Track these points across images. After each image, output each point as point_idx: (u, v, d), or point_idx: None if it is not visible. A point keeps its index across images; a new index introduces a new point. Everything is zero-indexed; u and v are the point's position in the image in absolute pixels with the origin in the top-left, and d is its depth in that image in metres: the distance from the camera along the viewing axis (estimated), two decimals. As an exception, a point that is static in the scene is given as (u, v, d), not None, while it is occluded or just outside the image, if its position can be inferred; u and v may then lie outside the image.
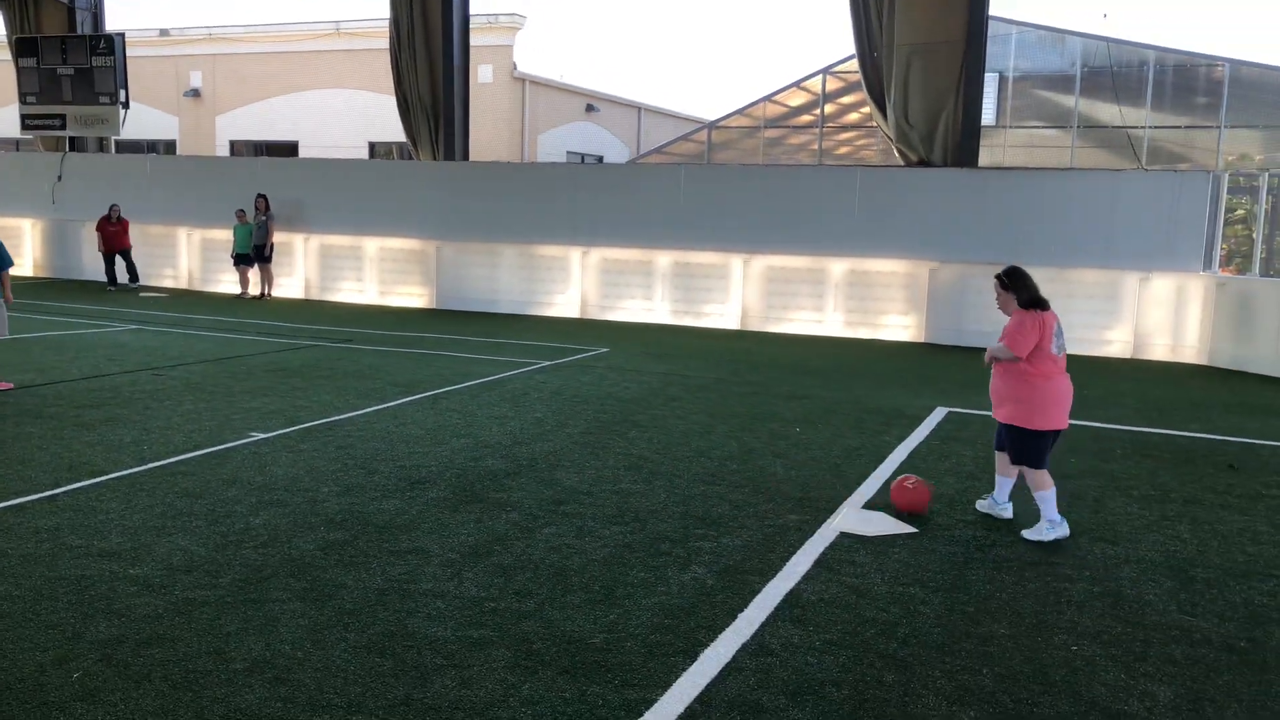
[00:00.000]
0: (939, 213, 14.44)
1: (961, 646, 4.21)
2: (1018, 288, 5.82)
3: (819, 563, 5.14)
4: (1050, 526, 5.69)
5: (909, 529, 5.71)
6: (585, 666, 3.91)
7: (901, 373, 11.62)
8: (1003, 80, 23.85)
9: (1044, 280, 13.72)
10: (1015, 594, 4.81)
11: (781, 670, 3.93)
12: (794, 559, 5.18)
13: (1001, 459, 6.04)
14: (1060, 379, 5.77)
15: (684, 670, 3.91)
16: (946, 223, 14.39)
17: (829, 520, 5.84)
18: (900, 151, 15.29)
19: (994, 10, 15.15)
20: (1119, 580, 5.03)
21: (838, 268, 14.94)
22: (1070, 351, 13.38)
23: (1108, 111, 23.26)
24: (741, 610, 4.49)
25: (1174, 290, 13.43)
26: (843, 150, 28.76)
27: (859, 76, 16.29)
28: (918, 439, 8.05)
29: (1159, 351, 13.53)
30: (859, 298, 14.88)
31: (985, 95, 16.08)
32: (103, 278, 18.88)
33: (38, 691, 3.58)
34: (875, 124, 19.28)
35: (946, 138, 14.76)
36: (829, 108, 26.21)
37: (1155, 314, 13.54)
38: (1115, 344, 13.69)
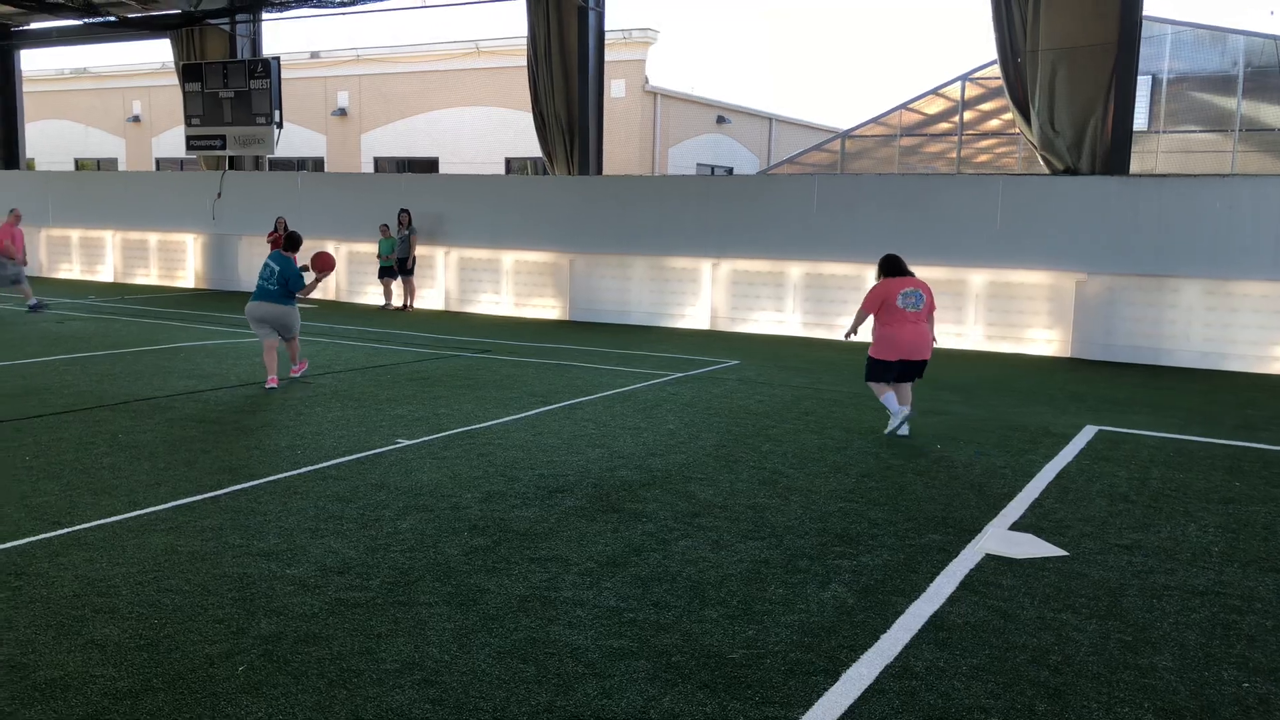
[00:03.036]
0: (1087, 222, 13.85)
1: (1120, 678, 4.01)
2: (879, 268, 8.31)
3: (964, 584, 4.98)
4: (894, 416, 8.18)
5: (1059, 552, 5.48)
6: (725, 682, 3.89)
7: (1046, 389, 11.18)
8: (1156, 82, 22.74)
9: (1202, 293, 13.11)
10: (1178, 624, 4.55)
11: (927, 694, 3.83)
12: (937, 580, 5.04)
13: (900, 389, 8.31)
14: (898, 326, 8.03)
15: (825, 690, 3.85)
16: (1095, 233, 13.79)
17: (973, 541, 5.66)
18: (1045, 159, 14.75)
19: (1148, 10, 14.47)
20: (1294, 614, 4.70)
21: (977, 279, 14.50)
22: (1233, 369, 12.74)
23: (1273, 113, 21.90)
24: (884, 631, 4.40)
25: (1350, 303, 12.52)
26: (982, 158, 27.98)
27: (1000, 82, 15.79)
28: (1066, 458, 7.73)
29: (1333, 369, 12.62)
30: (1000, 310, 14.41)
31: (1137, 99, 15.35)
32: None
33: (207, 683, 3.79)
34: (1018, 131, 18.67)
35: (1095, 144, 14.16)
36: (968, 115, 25.53)
37: (1328, 329, 12.64)
38: (1283, 360, 12.85)
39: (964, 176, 19.07)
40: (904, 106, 26.24)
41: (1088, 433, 8.68)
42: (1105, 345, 13.66)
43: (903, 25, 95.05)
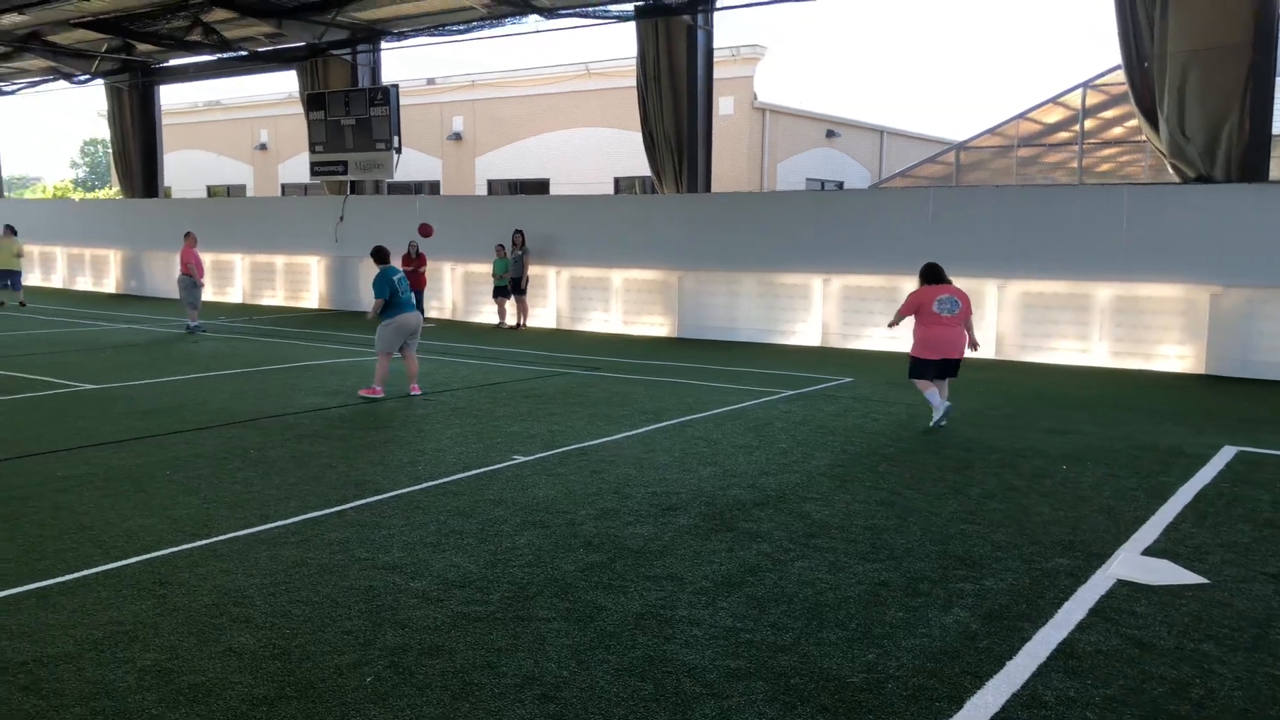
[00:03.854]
0: (1223, 232, 13.20)
1: (1270, 715, 3.78)
2: (920, 275, 9.44)
3: (1095, 611, 4.78)
4: (936, 410, 9.14)
5: (1198, 579, 5.22)
6: (845, 706, 3.82)
7: (1179, 407, 10.68)
8: (1295, 83, 21.53)
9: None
10: (1333, 660, 4.28)
11: (1058, 726, 3.68)
12: (1066, 606, 4.85)
13: (940, 386, 9.28)
14: (934, 328, 9.07)
15: (949, 718, 3.74)
16: (1231, 244, 13.13)
17: (1103, 566, 5.44)
18: (1175, 167, 14.13)
19: (1286, 8, 13.74)
20: None
21: (1103, 293, 13.96)
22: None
23: None
24: (1010, 658, 4.26)
25: None
26: (1104, 167, 26.98)
27: (1124, 88, 15.24)
28: (1203, 480, 7.36)
29: None
30: (1128, 325, 13.84)
31: (1276, 100, 14.59)
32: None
33: (337, 692, 3.91)
34: (1144, 139, 17.96)
35: (1230, 150, 13.50)
36: (1089, 123, 24.66)
37: None
38: None
39: (1086, 187, 18.45)
40: (1022, 116, 25.53)
41: (1226, 454, 8.25)
42: (1244, 361, 12.97)
43: (1019, 34, 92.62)
